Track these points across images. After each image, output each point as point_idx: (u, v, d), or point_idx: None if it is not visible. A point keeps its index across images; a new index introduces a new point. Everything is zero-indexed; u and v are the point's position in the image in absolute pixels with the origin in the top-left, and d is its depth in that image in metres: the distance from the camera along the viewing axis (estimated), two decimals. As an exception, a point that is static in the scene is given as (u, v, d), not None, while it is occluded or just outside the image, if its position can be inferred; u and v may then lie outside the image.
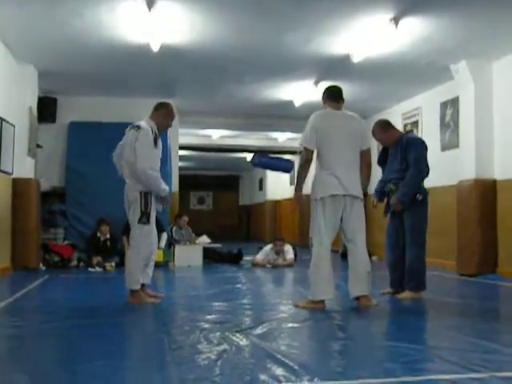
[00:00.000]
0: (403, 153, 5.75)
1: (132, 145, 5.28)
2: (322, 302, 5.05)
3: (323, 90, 5.41)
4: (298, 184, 5.22)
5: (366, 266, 5.16)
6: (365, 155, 5.24)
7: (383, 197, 5.97)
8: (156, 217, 9.78)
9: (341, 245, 11.12)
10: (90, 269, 8.70)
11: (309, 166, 5.18)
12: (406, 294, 5.68)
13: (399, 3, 5.98)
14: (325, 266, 5.04)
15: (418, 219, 5.77)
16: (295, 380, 2.82)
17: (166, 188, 5.44)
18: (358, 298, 5.17)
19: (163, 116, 5.55)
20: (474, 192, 7.91)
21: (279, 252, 9.68)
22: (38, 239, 8.69)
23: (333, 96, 5.29)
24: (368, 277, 5.17)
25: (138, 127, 5.33)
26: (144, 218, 5.30)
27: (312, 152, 5.12)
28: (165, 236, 9.62)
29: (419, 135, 10.05)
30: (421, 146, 5.85)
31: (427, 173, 5.81)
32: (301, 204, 5.41)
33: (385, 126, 5.98)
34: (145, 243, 5.37)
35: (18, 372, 2.98)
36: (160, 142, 5.51)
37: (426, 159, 5.79)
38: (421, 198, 5.74)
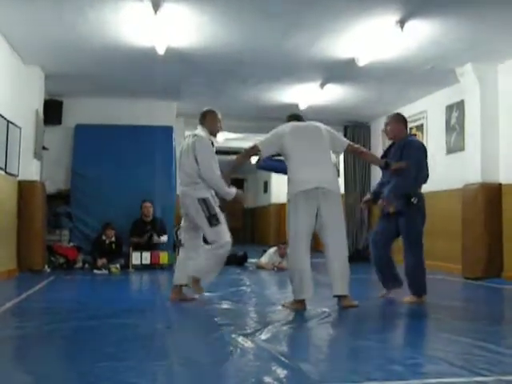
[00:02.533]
0: (399, 154, 5.68)
1: (192, 154, 5.47)
2: (302, 301, 5.12)
3: (286, 118, 5.66)
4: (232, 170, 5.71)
5: (344, 265, 5.16)
6: (351, 149, 5.50)
7: (377, 199, 5.93)
8: (158, 220, 9.89)
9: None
10: (96, 271, 8.71)
11: (245, 159, 5.62)
12: (411, 298, 5.66)
13: (405, 6, 5.99)
14: (299, 268, 5.09)
15: (413, 223, 5.65)
16: (300, 383, 2.81)
17: (232, 191, 5.57)
18: (339, 298, 5.20)
19: (212, 121, 5.75)
20: (480, 196, 7.89)
21: (283, 255, 9.67)
22: (44, 241, 8.71)
23: (295, 118, 5.57)
24: (346, 276, 5.17)
25: (196, 135, 5.55)
26: (213, 220, 5.46)
27: (257, 148, 5.31)
28: (165, 238, 9.66)
29: (424, 138, 10.07)
30: (418, 150, 5.73)
31: (426, 177, 5.72)
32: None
33: (400, 119, 5.92)
34: (224, 240, 5.53)
35: (23, 372, 2.99)
36: (214, 148, 5.69)
37: (423, 164, 5.67)
38: (416, 201, 5.62)
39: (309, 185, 5.08)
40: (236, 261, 10.27)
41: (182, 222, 5.76)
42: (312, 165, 5.16)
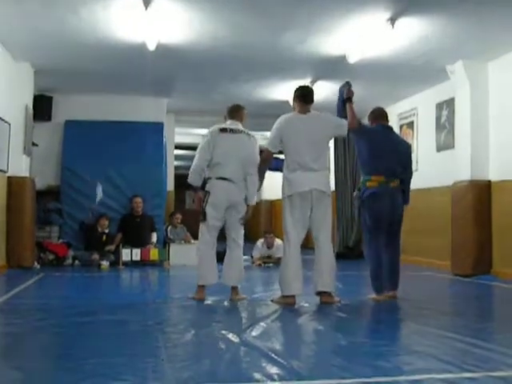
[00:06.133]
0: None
1: (252, 152, 5.59)
2: (293, 297, 5.19)
3: (295, 89, 5.59)
4: (260, 177, 5.64)
5: (331, 264, 5.28)
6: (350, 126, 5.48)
7: None
8: (148, 216, 9.86)
9: (336, 244, 11.15)
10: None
11: (267, 164, 5.60)
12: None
13: (396, 3, 5.99)
14: (292, 264, 5.22)
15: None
16: (290, 379, 2.82)
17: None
18: (320, 294, 5.27)
19: (245, 116, 5.87)
20: (469, 193, 7.91)
21: (271, 245, 9.65)
22: (33, 237, 8.66)
23: (302, 97, 5.49)
24: (332, 274, 5.27)
25: (248, 133, 5.69)
26: (243, 219, 5.66)
27: (272, 153, 5.48)
28: (155, 236, 9.63)
29: (415, 136, 10.10)
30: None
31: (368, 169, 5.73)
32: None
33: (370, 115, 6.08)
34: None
35: (13, 369, 2.98)
36: None
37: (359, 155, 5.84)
38: (356, 195, 5.74)
39: (305, 187, 5.21)
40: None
41: (214, 220, 5.56)
42: (309, 166, 5.23)
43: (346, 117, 5.58)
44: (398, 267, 5.70)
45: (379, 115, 5.95)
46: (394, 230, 5.66)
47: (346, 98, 5.57)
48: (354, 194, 5.77)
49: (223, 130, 5.58)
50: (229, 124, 5.65)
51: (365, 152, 5.66)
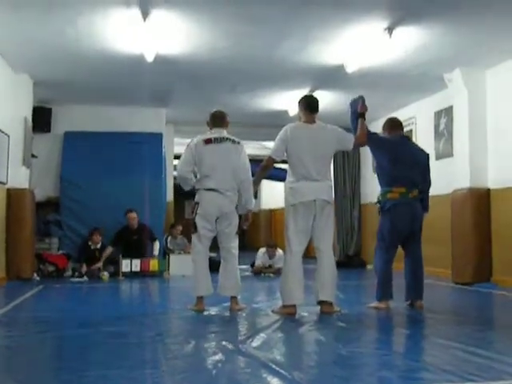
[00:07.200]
0: None
1: (239, 157, 5.48)
2: (294, 306, 5.18)
3: (300, 98, 5.53)
4: (255, 183, 5.61)
5: (332, 273, 5.28)
6: (356, 142, 5.46)
7: None
8: (145, 228, 9.80)
9: (337, 253, 11.14)
10: (72, 279, 8.67)
11: (266, 171, 5.52)
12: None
13: (393, 13, 6.02)
14: (294, 273, 5.22)
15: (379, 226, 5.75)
16: (291, 390, 2.81)
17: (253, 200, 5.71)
18: (321, 303, 5.27)
19: (228, 122, 5.73)
20: (469, 201, 7.92)
21: (272, 256, 9.75)
22: (33, 249, 8.65)
23: (308, 106, 5.42)
24: (333, 283, 5.28)
25: (234, 140, 5.55)
26: (239, 229, 5.58)
27: (274, 161, 5.38)
28: (157, 245, 9.60)
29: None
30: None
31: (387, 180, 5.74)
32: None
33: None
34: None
35: (11, 381, 2.96)
36: None
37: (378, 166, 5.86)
38: (378, 205, 5.75)
39: (309, 196, 5.20)
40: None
41: (205, 231, 5.51)
42: (312, 177, 5.22)
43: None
44: (422, 276, 5.76)
45: (395, 125, 5.93)
46: (414, 240, 5.75)
47: (359, 114, 5.54)
48: (376, 205, 5.76)
49: (208, 141, 5.47)
50: (213, 133, 5.58)
51: (385, 163, 5.66)
